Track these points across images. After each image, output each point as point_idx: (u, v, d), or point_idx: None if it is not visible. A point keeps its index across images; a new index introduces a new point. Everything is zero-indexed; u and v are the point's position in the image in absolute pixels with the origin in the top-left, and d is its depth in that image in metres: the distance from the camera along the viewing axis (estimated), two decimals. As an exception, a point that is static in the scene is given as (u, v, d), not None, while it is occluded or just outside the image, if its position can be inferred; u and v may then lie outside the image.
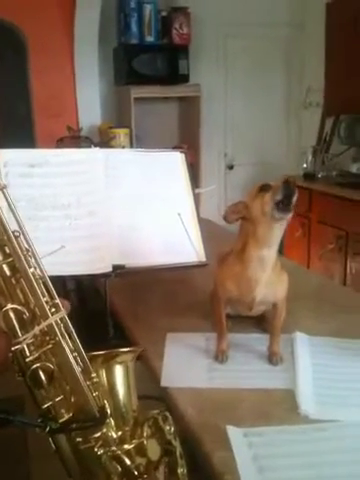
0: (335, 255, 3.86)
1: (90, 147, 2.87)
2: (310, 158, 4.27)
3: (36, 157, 1.47)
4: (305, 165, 4.29)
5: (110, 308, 1.52)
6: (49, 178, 1.44)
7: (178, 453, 0.73)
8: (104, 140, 3.97)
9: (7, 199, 0.55)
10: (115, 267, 1.38)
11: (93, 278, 1.61)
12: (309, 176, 4.22)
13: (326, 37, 4.17)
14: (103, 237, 1.41)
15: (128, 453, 0.64)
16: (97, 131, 4.16)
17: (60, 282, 1.70)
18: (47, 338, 0.58)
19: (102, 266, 1.38)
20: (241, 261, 1.19)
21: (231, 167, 4.90)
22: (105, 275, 1.40)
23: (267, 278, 1.19)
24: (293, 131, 5.01)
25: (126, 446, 0.65)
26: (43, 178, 1.44)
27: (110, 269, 1.38)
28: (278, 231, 1.16)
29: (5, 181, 1.40)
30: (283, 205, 1.09)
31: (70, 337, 0.60)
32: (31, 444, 1.63)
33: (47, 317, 0.57)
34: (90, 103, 4.21)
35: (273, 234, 1.15)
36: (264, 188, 1.13)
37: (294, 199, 1.09)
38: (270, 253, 1.17)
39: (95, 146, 2.64)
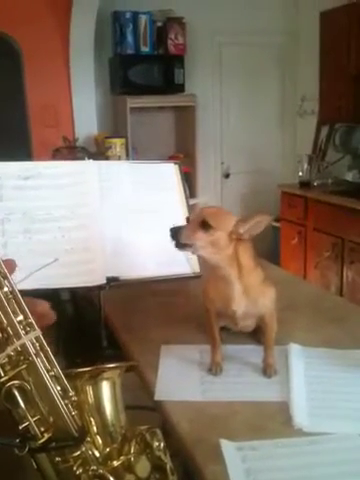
0: (331, 263, 3.86)
1: (85, 158, 2.88)
2: (306, 166, 4.29)
3: (29, 169, 1.47)
4: (301, 173, 4.31)
5: (104, 319, 1.52)
6: (42, 190, 1.44)
7: (169, 468, 0.72)
8: (100, 150, 3.97)
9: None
10: (109, 279, 1.38)
11: (87, 290, 1.61)
12: (305, 184, 4.25)
13: (320, 45, 4.19)
14: (96, 249, 1.41)
15: (113, 471, 0.64)
16: (93, 141, 4.17)
17: (55, 293, 1.70)
18: (21, 358, 0.58)
19: (96, 278, 1.38)
20: (215, 277, 1.21)
21: (227, 176, 4.92)
22: (99, 287, 1.40)
23: (242, 293, 1.17)
24: (288, 139, 5.03)
25: (112, 463, 0.64)
26: (36, 190, 1.44)
27: (104, 281, 1.37)
28: (214, 258, 1.15)
29: (-1, 194, 1.40)
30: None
31: (46, 356, 0.59)
32: (26, 455, 1.62)
33: (20, 337, 0.57)
34: (86, 113, 4.22)
35: (209, 261, 1.17)
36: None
37: (182, 239, 1.14)
38: (231, 271, 1.16)
39: (90, 156, 2.65)
